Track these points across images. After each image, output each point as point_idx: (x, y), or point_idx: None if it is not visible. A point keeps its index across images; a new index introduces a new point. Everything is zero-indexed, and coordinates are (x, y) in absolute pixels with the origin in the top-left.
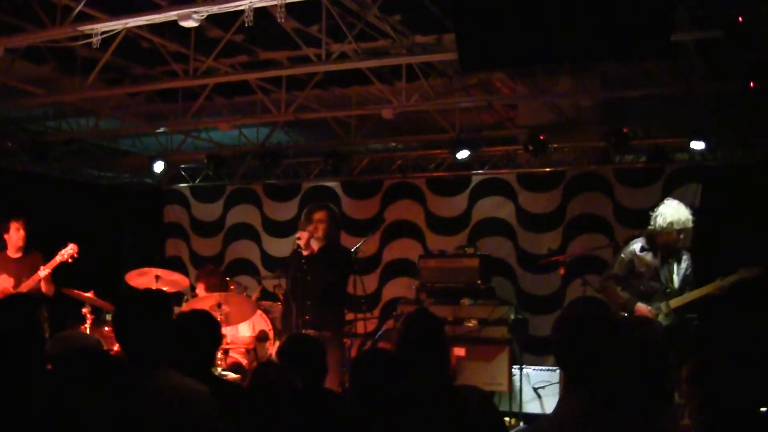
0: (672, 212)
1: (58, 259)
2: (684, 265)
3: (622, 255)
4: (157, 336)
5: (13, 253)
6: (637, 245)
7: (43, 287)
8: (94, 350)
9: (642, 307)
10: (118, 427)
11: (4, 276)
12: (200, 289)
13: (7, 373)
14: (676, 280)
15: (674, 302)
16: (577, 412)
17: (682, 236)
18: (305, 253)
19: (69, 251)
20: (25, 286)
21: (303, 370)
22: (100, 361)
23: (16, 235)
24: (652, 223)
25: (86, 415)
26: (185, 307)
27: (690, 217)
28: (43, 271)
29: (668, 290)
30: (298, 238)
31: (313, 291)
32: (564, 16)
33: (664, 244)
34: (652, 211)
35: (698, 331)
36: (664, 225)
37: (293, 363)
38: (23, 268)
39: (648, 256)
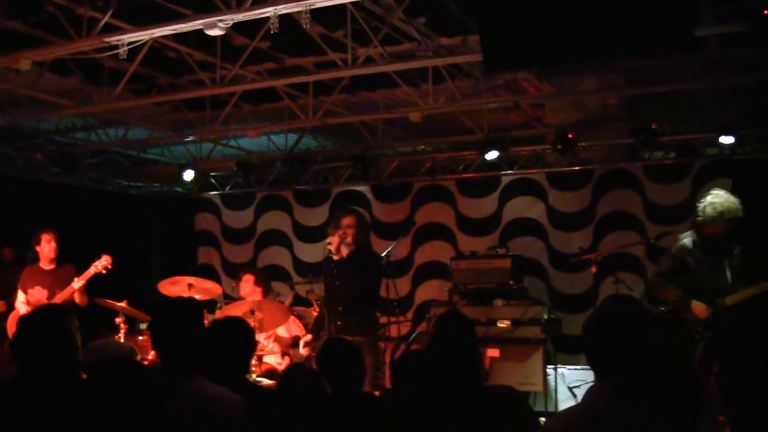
0: (721, 201)
1: (92, 270)
2: (735, 259)
3: (673, 250)
4: (191, 344)
5: (45, 264)
6: (687, 239)
7: (77, 298)
8: (126, 359)
9: (698, 306)
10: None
11: (38, 288)
12: (247, 281)
13: (42, 383)
14: (729, 275)
15: (730, 299)
16: (599, 408)
17: (732, 227)
18: (335, 258)
19: (103, 263)
20: (59, 298)
21: (341, 374)
22: (132, 370)
23: (47, 247)
24: (700, 213)
25: (118, 423)
26: (219, 314)
27: (740, 206)
28: (77, 283)
29: (722, 287)
30: (329, 243)
31: (344, 296)
32: (587, 14)
33: (714, 235)
34: (699, 202)
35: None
36: (714, 215)
37: (331, 367)
38: (56, 279)
39: (699, 251)
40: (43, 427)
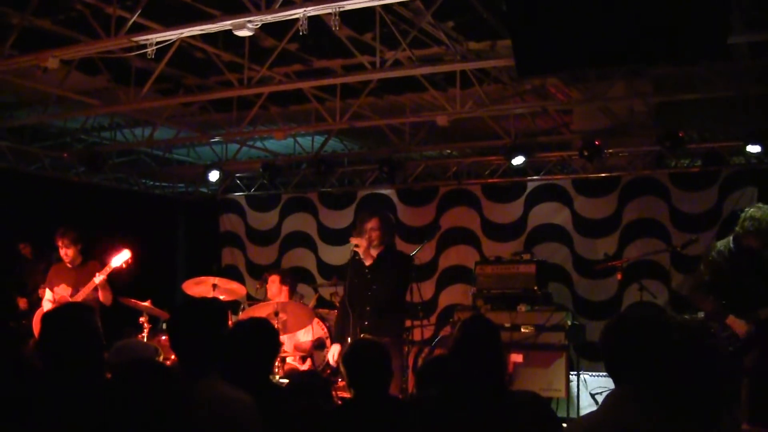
0: (762, 216)
1: (112, 265)
2: None
3: (710, 259)
4: (208, 344)
5: (69, 263)
6: (723, 248)
7: (100, 296)
8: (148, 360)
9: (735, 322)
10: None
11: (63, 285)
12: (273, 282)
13: (67, 381)
14: (765, 287)
15: (765, 312)
16: (617, 414)
17: (764, 244)
18: (367, 263)
19: (123, 257)
20: (82, 294)
21: (367, 375)
22: (154, 371)
23: (62, 252)
24: (739, 225)
25: (137, 424)
26: (242, 315)
27: None
28: (98, 278)
29: (757, 299)
30: (356, 246)
31: (375, 297)
32: (620, 20)
33: (749, 247)
34: (742, 212)
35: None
36: (752, 228)
37: (358, 368)
38: (81, 276)
39: (735, 261)
40: (68, 426)
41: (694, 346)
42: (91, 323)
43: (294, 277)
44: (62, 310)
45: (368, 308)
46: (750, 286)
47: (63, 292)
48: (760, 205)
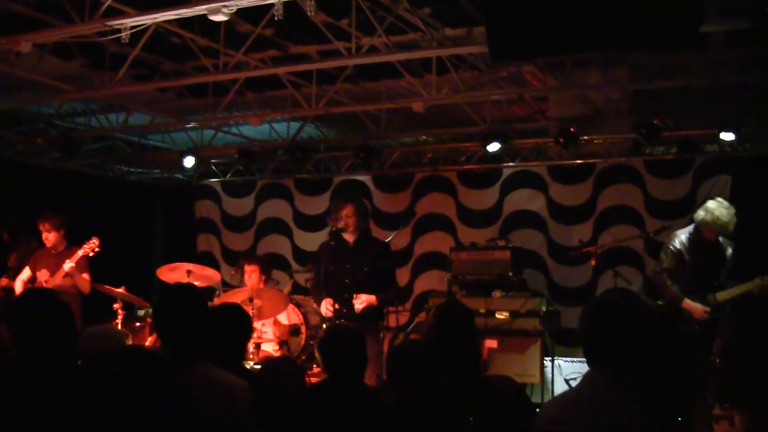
0: (719, 213)
1: (80, 252)
2: (729, 257)
3: (671, 246)
4: (197, 330)
5: (53, 248)
6: (684, 236)
7: (78, 283)
8: (131, 346)
9: (690, 305)
10: (155, 420)
11: (44, 270)
12: (253, 271)
13: (40, 369)
14: (723, 272)
15: (721, 296)
16: (589, 395)
17: (721, 239)
18: (348, 240)
19: (91, 245)
20: (53, 282)
21: (343, 361)
22: (137, 356)
23: (44, 236)
24: (698, 216)
25: (122, 409)
26: (217, 301)
27: (732, 222)
28: (67, 265)
29: (715, 283)
30: (341, 230)
31: (354, 282)
32: (594, 7)
33: (707, 238)
34: (702, 204)
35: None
36: (710, 221)
37: (333, 354)
38: (61, 262)
39: (694, 248)
40: (42, 413)
41: (668, 332)
42: (65, 310)
43: (269, 264)
44: (32, 296)
45: (346, 294)
46: (706, 273)
47: (43, 277)
48: (720, 199)
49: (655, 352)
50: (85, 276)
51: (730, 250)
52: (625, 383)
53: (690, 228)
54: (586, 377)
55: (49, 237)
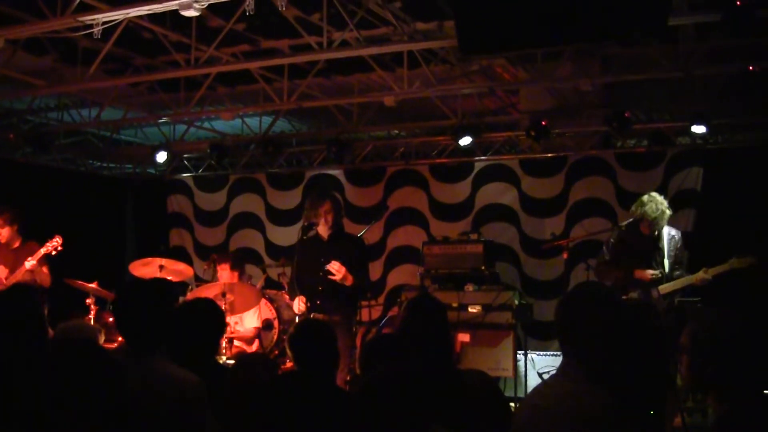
0: (650, 208)
1: (42, 251)
2: (673, 245)
3: (611, 240)
4: (154, 324)
5: (6, 244)
6: (621, 230)
7: (37, 278)
8: (87, 341)
9: (642, 272)
10: (103, 415)
11: (1, 267)
12: (224, 269)
13: (8, 364)
14: (667, 264)
15: (663, 288)
16: (567, 387)
17: (656, 233)
18: (323, 236)
19: (54, 243)
20: (16, 276)
21: (314, 355)
22: (92, 352)
23: (1, 231)
24: (634, 209)
25: (71, 404)
26: (190, 296)
27: (664, 218)
28: (29, 263)
29: (659, 274)
30: (315, 225)
31: (325, 276)
32: None
33: (644, 233)
34: (642, 197)
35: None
36: (640, 215)
37: (303, 349)
38: (18, 258)
39: (636, 238)
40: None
41: (641, 325)
42: (37, 306)
43: (242, 259)
44: (8, 292)
45: (321, 288)
46: (647, 265)
47: (1, 274)
48: (654, 194)
49: (628, 345)
50: (45, 270)
51: (665, 240)
52: (598, 376)
53: (628, 221)
54: (561, 370)
55: (2, 232)
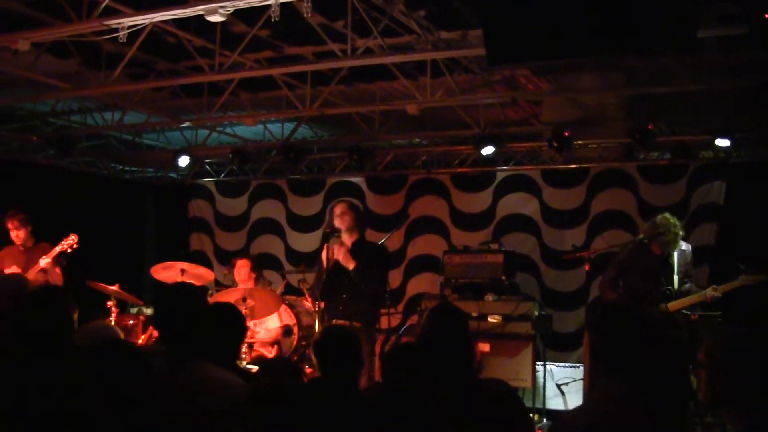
0: (669, 236)
1: (57, 249)
2: (683, 260)
3: (620, 256)
4: (196, 329)
5: (21, 245)
6: (634, 246)
7: (50, 278)
8: (123, 342)
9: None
10: (149, 417)
11: (14, 267)
12: (243, 266)
13: (37, 364)
14: (676, 280)
15: (672, 305)
16: (609, 405)
17: (666, 253)
18: (347, 242)
19: (69, 241)
20: (29, 276)
21: (338, 362)
22: (123, 352)
23: (12, 234)
24: (651, 229)
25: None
26: (210, 300)
27: (677, 239)
28: (44, 261)
29: (668, 291)
30: (334, 230)
31: (353, 284)
32: (590, 11)
33: (655, 252)
34: (656, 217)
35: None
36: (663, 232)
37: (328, 356)
38: (31, 258)
39: (646, 256)
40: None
41: (666, 339)
42: (66, 308)
43: (261, 264)
44: (43, 292)
45: (345, 295)
46: (657, 282)
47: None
48: (668, 217)
49: (658, 360)
50: (58, 270)
51: (675, 255)
52: (634, 393)
53: (640, 238)
54: (595, 390)
55: (20, 234)
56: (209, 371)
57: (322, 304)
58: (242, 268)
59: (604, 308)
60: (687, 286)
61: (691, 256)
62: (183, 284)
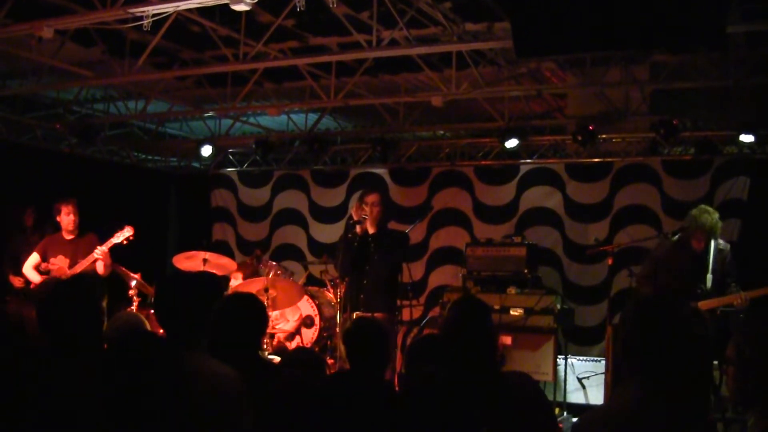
0: (705, 219)
1: (114, 240)
2: (720, 259)
3: (656, 252)
4: (194, 319)
5: (67, 234)
6: (670, 243)
7: (100, 269)
8: (146, 332)
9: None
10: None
11: (60, 257)
12: (237, 278)
13: (68, 354)
14: (710, 279)
15: (703, 304)
16: (634, 404)
17: (710, 246)
18: (369, 230)
19: (126, 234)
20: (80, 266)
21: (368, 354)
22: (150, 343)
23: (66, 219)
24: (687, 224)
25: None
26: (231, 290)
27: (717, 229)
28: (98, 251)
29: (700, 290)
30: (358, 220)
31: (375, 271)
32: (618, 5)
33: (696, 247)
34: (692, 211)
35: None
36: (699, 229)
37: (357, 347)
38: (78, 248)
39: (683, 253)
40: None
41: (692, 335)
42: (99, 298)
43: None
44: (75, 281)
45: (365, 281)
46: (690, 280)
47: (61, 263)
48: (704, 206)
49: (685, 358)
50: (109, 262)
51: (711, 254)
52: (659, 394)
53: (679, 235)
54: (623, 387)
55: (75, 220)
56: (201, 361)
57: (344, 287)
58: (235, 279)
59: (636, 302)
60: (733, 287)
61: (731, 254)
62: (182, 273)
